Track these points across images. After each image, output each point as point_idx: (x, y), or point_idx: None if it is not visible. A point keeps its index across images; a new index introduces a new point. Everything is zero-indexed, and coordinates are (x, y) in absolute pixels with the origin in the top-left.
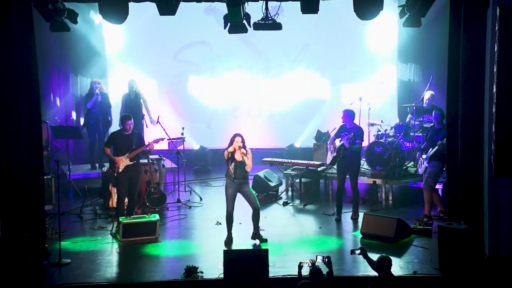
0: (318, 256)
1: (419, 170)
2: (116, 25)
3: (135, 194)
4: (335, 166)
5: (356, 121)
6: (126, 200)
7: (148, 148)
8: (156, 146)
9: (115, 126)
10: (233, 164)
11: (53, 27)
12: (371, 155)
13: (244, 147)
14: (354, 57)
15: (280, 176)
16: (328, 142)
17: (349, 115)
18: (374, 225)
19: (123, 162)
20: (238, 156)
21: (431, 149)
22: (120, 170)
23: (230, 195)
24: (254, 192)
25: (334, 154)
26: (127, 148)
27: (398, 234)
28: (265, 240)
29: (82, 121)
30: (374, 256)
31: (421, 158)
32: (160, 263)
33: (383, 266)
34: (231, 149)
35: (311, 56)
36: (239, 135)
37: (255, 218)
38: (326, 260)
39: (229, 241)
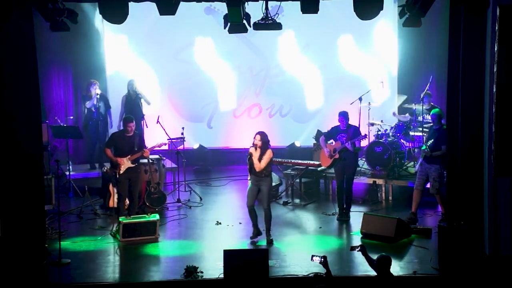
0: (314, 257)
1: (415, 167)
2: (116, 25)
3: (137, 195)
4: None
5: (356, 121)
6: (127, 201)
7: (143, 154)
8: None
9: (114, 127)
10: (250, 160)
11: (53, 27)
12: (371, 155)
13: (263, 146)
14: (354, 56)
15: (280, 176)
16: (321, 143)
17: (344, 117)
18: (374, 225)
19: (125, 163)
20: (254, 155)
21: (425, 148)
22: (121, 171)
23: (249, 189)
24: (267, 192)
25: (336, 157)
26: (129, 150)
27: (398, 234)
28: (271, 241)
29: (81, 121)
30: (374, 257)
31: (420, 157)
32: (160, 263)
33: (382, 265)
34: (252, 149)
35: (311, 56)
36: (259, 133)
37: (265, 219)
38: (323, 260)
39: (254, 235)
